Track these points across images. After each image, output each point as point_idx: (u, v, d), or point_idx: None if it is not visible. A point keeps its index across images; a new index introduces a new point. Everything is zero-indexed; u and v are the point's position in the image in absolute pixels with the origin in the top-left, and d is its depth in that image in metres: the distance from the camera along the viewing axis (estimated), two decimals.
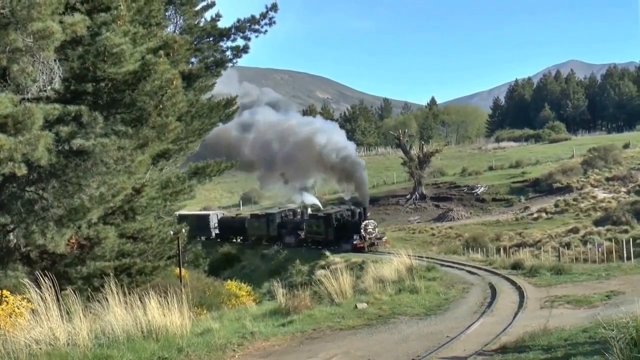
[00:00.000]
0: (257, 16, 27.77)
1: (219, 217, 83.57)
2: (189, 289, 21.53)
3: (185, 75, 22.57)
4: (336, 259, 53.12)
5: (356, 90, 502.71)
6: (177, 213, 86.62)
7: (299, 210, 73.04)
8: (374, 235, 58.69)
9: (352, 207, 66.39)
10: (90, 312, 15.73)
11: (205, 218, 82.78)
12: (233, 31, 27.54)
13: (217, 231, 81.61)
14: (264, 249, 69.78)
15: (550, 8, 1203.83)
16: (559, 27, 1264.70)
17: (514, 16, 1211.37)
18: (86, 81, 17.50)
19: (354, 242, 57.57)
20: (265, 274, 58.91)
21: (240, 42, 27.87)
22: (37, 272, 15.99)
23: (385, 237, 60.66)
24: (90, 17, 17.04)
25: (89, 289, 19.60)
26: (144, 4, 19.79)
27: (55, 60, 16.19)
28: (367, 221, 59.21)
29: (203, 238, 79.50)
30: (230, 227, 79.50)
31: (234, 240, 78.66)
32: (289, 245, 67.22)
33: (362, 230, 58.09)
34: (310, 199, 79.75)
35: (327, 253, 56.62)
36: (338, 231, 61.63)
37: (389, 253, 44.37)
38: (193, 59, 25.57)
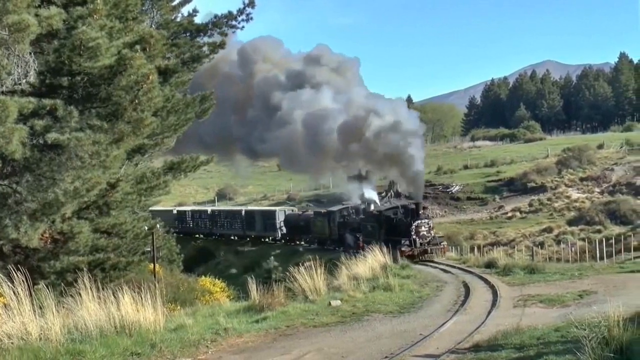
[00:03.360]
0: (234, 12, 27.73)
1: (285, 214, 71.70)
2: (162, 285, 21.50)
3: (162, 70, 22.45)
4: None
5: None
6: (243, 209, 79.94)
7: (361, 208, 58.62)
8: (428, 239, 45.87)
9: (407, 202, 52.76)
10: (63, 307, 15.70)
11: (272, 215, 72.59)
12: (210, 27, 27.47)
13: (283, 231, 70.42)
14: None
15: (527, 7, 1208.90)
16: (535, 27, 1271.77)
17: (490, 15, 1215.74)
18: (62, 75, 17.39)
19: (402, 249, 43.80)
20: (240, 270, 58.86)
21: (217, 38, 27.82)
22: (9, 266, 15.91)
23: (444, 243, 47.69)
24: (66, 10, 16.96)
25: (62, 284, 19.51)
26: None
27: (30, 54, 16.10)
28: (419, 221, 46.12)
29: (270, 238, 72.76)
30: (296, 226, 67.86)
31: (300, 242, 68.17)
32: (347, 251, 49.32)
33: (412, 233, 45.47)
34: (370, 194, 61.47)
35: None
36: (389, 233, 48.31)
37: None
38: (169, 55, 25.48)
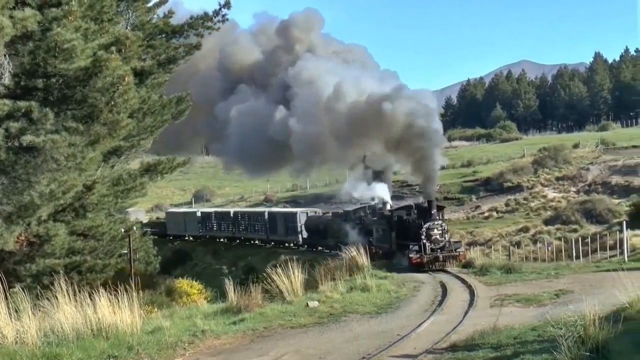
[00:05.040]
0: (210, 13, 27.70)
1: (307, 216, 62.27)
2: (139, 287, 21.43)
3: (137, 72, 22.40)
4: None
5: None
6: (266, 211, 73.19)
7: (377, 208, 50.05)
8: (441, 244, 38.11)
9: (420, 202, 46.35)
10: (40, 310, 15.63)
11: (293, 218, 63.52)
12: (185, 28, 27.42)
13: (304, 235, 61.05)
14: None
15: (502, 8, 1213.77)
16: (510, 28, 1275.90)
17: (465, 16, 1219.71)
18: (37, 77, 17.32)
19: (410, 255, 37.44)
20: (218, 272, 58.52)
21: (193, 39, 27.79)
22: None
23: (461, 249, 39.41)
24: (41, 12, 16.90)
25: (39, 287, 19.42)
26: (95, 0, 19.65)
27: (5, 56, 16.05)
28: (430, 222, 38.77)
29: (293, 244, 63.41)
30: (316, 230, 58.47)
31: (320, 248, 58.19)
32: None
33: (422, 237, 37.98)
34: (381, 192, 52.98)
35: None
36: (400, 237, 41.73)
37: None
38: (145, 56, 25.41)
